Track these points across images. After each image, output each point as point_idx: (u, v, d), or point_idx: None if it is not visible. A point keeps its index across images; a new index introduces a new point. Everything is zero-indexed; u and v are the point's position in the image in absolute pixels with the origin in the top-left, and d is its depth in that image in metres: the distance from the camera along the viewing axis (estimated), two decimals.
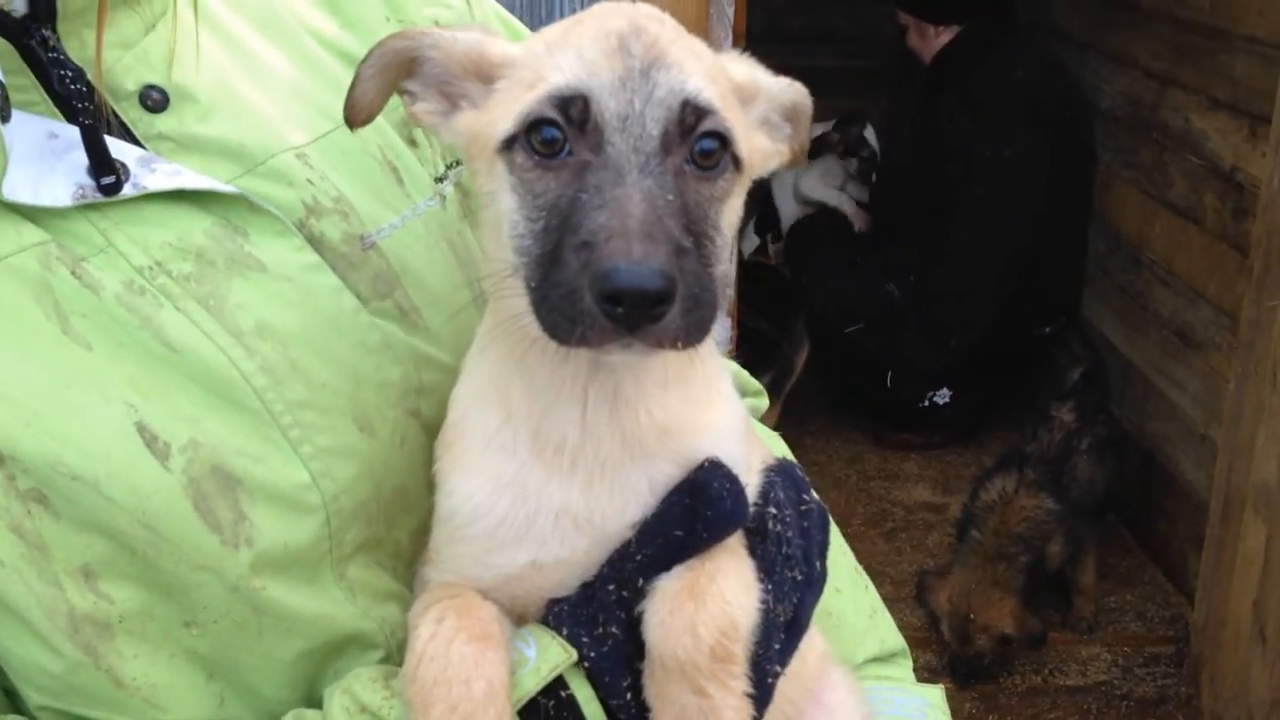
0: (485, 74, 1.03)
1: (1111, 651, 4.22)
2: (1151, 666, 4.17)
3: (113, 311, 1.01)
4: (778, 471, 1.12)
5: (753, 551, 1.05)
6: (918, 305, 5.04)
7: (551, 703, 0.99)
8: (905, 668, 1.49)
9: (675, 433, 1.02)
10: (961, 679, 3.97)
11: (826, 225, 5.73)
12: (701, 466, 1.01)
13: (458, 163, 1.29)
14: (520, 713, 0.98)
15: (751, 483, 1.07)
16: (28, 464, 0.95)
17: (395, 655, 1.12)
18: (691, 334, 0.88)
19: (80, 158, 1.00)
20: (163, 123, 1.08)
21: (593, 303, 0.84)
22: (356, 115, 1.05)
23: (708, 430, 1.03)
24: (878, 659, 1.46)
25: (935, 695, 1.45)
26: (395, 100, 1.16)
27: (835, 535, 1.50)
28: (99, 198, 1.01)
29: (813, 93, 1.14)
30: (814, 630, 1.32)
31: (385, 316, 1.15)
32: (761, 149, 1.09)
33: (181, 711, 1.03)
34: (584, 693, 0.99)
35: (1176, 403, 4.51)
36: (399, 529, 1.15)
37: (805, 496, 1.13)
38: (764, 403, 1.58)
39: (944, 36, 5.10)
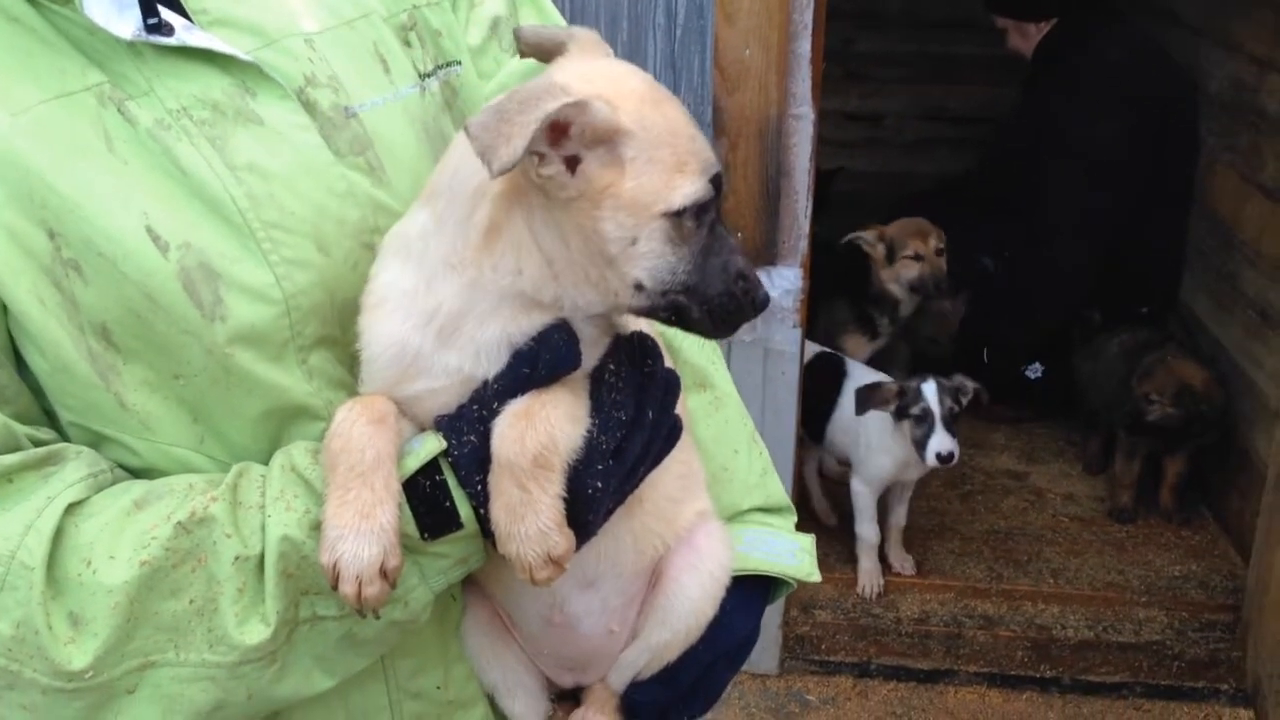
0: (607, 140, 1.25)
1: (1169, 615, 4.36)
2: (1207, 631, 4.29)
3: (144, 141, 1.35)
4: (628, 339, 1.43)
5: (591, 395, 1.37)
6: (1009, 281, 5.21)
7: (428, 483, 1.33)
8: (787, 519, 1.76)
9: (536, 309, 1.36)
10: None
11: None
12: (549, 326, 1.35)
13: (448, 64, 1.60)
14: (406, 486, 1.32)
15: (600, 345, 1.40)
16: (70, 240, 1.32)
17: None
18: None
19: (137, 15, 1.34)
20: (208, 0, 1.42)
21: (752, 313, 1.34)
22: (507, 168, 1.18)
23: None
24: (763, 509, 1.73)
25: (806, 541, 1.72)
26: (397, 7, 1.52)
27: (739, 408, 1.79)
28: (151, 39, 1.34)
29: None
30: (700, 491, 1.62)
31: (355, 169, 1.46)
32: None
33: (169, 438, 1.38)
34: (453, 479, 1.34)
35: (1254, 380, 4.59)
36: (350, 334, 1.45)
37: (650, 361, 1.43)
38: None
39: (1044, 30, 5.22)
